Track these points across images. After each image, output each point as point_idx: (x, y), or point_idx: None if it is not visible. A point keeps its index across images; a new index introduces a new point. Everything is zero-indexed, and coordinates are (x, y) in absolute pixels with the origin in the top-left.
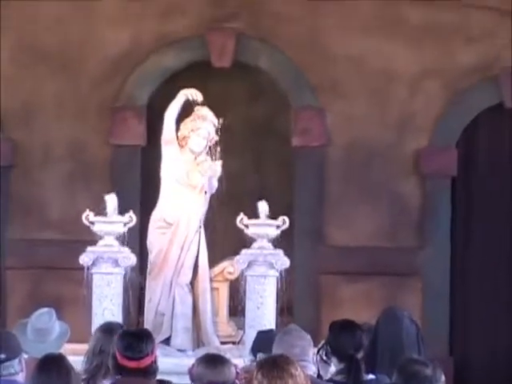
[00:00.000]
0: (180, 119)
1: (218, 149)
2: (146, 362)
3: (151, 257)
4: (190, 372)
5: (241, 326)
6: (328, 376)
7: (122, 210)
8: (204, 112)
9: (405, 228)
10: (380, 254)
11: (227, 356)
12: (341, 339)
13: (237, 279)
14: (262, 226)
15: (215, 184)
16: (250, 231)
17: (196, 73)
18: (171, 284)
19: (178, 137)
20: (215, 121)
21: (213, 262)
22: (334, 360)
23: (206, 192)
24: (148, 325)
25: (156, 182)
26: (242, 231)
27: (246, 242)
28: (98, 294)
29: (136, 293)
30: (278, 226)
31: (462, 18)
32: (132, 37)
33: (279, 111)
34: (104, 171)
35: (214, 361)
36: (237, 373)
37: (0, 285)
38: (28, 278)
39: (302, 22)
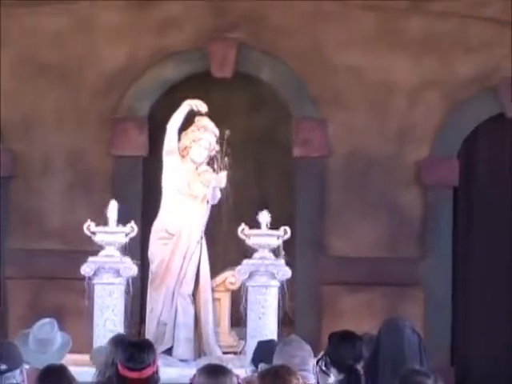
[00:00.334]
0: (180, 130)
1: (226, 159)
2: (148, 372)
3: (153, 267)
4: (192, 382)
5: (242, 336)
6: None
7: (123, 221)
8: (205, 122)
9: (406, 238)
10: (381, 264)
11: (229, 366)
12: (340, 350)
13: (238, 289)
14: (264, 236)
15: (218, 194)
16: (251, 241)
17: (197, 83)
18: (173, 294)
19: (179, 147)
20: (216, 131)
21: (214, 272)
22: (333, 371)
23: (208, 202)
24: (150, 335)
25: (157, 193)
26: (243, 241)
27: (247, 252)
28: (100, 304)
29: (137, 303)
30: (279, 237)
31: (461, 29)
32: (132, 48)
33: (280, 122)
34: (105, 182)
35: (215, 371)
36: (238, 383)
37: (0, 295)
38: (29, 288)
39: (304, 33)
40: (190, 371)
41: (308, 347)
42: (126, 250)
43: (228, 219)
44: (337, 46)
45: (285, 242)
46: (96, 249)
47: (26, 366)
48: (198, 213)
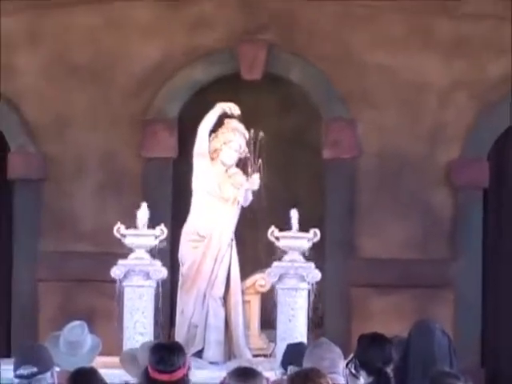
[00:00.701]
0: (209, 132)
1: (260, 161)
2: (178, 375)
3: (183, 269)
4: None
5: (272, 339)
6: None
7: (153, 223)
8: (235, 124)
9: (436, 239)
10: (411, 265)
11: (259, 369)
12: (369, 353)
13: (268, 292)
14: (293, 239)
15: (250, 197)
16: (281, 244)
17: (226, 85)
18: (204, 296)
19: (209, 149)
20: (246, 133)
21: (244, 274)
22: (362, 374)
23: (238, 203)
24: (179, 337)
25: (187, 195)
26: (273, 244)
27: (277, 254)
28: (130, 306)
29: (167, 305)
30: (309, 239)
31: (492, 31)
32: (162, 50)
33: (310, 123)
34: (135, 184)
35: (245, 374)
36: None
37: (32, 297)
38: (60, 291)
39: (333, 34)
40: (220, 374)
41: (338, 350)
42: (156, 252)
43: (258, 221)
44: (366, 46)
45: (315, 244)
46: (126, 251)
47: (57, 369)
48: (228, 215)
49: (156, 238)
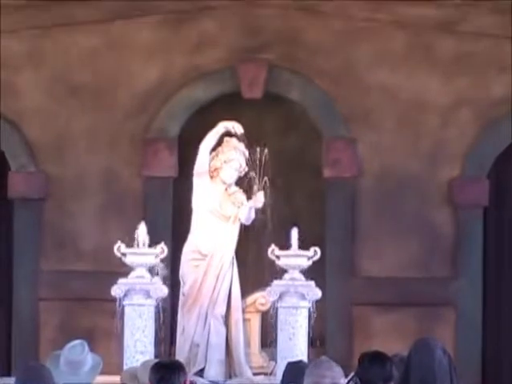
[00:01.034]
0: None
1: (265, 179)
2: None
3: (185, 288)
4: None
5: (272, 357)
6: None
7: (153, 242)
8: (235, 143)
9: (437, 258)
10: (412, 284)
11: None
12: (371, 371)
13: (268, 310)
14: (294, 257)
15: (253, 215)
16: (281, 262)
17: (227, 104)
18: (206, 315)
19: (209, 168)
20: (246, 152)
21: (244, 293)
22: None
23: (239, 221)
24: (182, 356)
25: (187, 214)
26: (273, 262)
27: (277, 273)
28: (130, 325)
29: (167, 323)
30: (309, 257)
31: (493, 49)
32: (163, 69)
33: (311, 142)
34: (136, 203)
35: None
36: None
37: (33, 316)
38: (60, 310)
39: (334, 53)
40: None
41: (338, 368)
42: (156, 271)
43: (258, 240)
44: (367, 65)
45: (315, 263)
46: (127, 270)
47: None
48: (230, 233)
49: (156, 256)
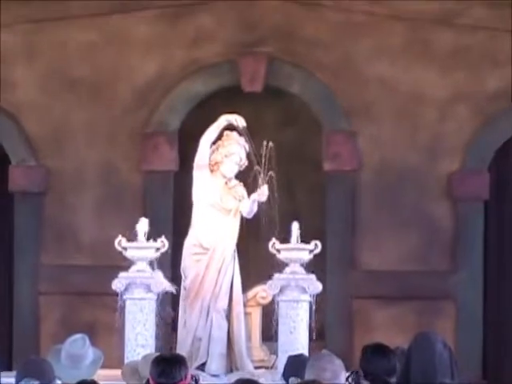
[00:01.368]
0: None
1: (270, 173)
2: None
3: (186, 282)
4: None
5: (273, 351)
6: None
7: (154, 236)
8: (236, 137)
9: (437, 252)
10: (412, 278)
11: (260, 381)
12: (373, 363)
13: (269, 304)
14: (294, 251)
15: (255, 209)
16: (281, 256)
17: (227, 98)
18: (208, 309)
19: (209, 161)
20: (246, 146)
21: (245, 286)
22: None
23: (241, 214)
24: (184, 350)
25: (188, 208)
26: (274, 256)
27: (278, 266)
28: (131, 319)
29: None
30: (310, 251)
31: (491, 42)
32: (162, 63)
33: (311, 136)
34: (136, 197)
35: None
36: None
37: (33, 310)
38: (61, 304)
39: (333, 46)
40: None
41: (339, 361)
42: (156, 264)
43: (259, 233)
44: (367, 58)
45: (315, 256)
46: (127, 264)
47: (58, 382)
48: (231, 227)
49: (157, 250)
